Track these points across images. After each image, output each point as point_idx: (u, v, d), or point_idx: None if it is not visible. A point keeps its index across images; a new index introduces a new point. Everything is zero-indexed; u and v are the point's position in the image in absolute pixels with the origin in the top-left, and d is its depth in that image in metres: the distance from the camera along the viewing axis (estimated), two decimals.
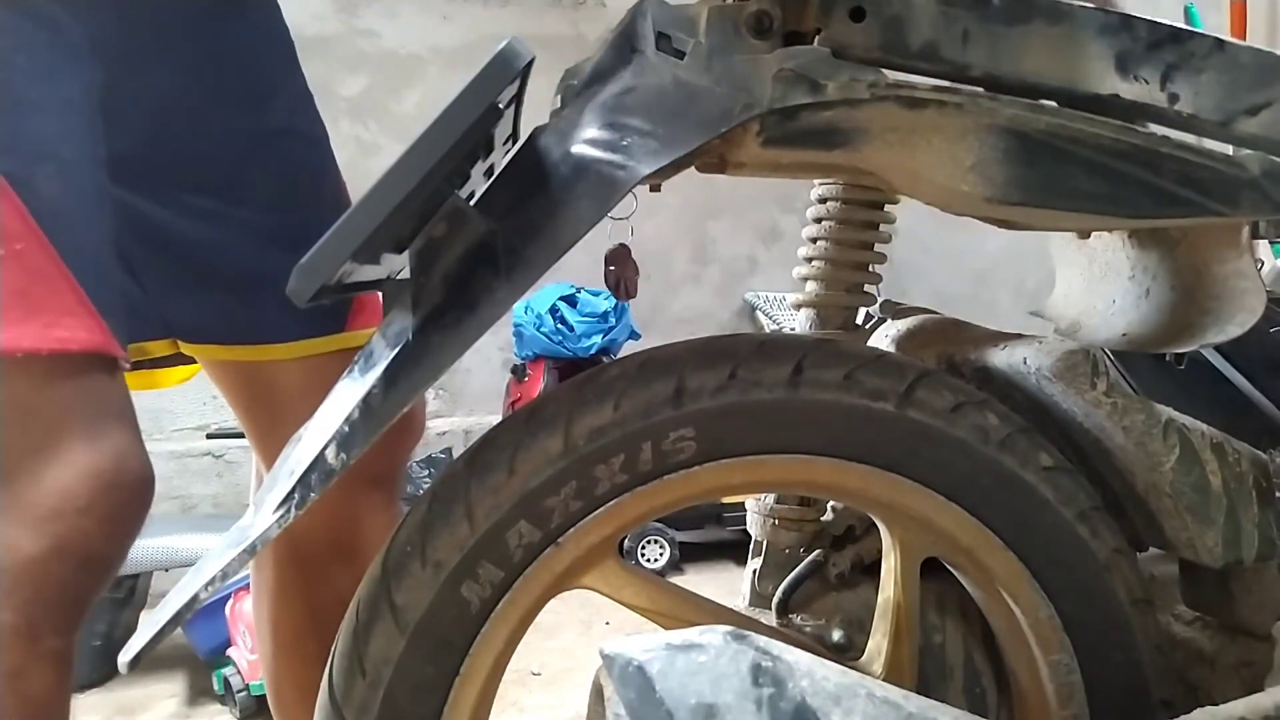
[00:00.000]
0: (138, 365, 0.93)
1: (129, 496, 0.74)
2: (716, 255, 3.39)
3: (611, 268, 0.75)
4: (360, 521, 0.97)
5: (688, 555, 2.79)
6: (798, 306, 0.83)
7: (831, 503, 0.84)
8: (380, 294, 0.96)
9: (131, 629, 2.07)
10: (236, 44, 0.86)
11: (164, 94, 0.82)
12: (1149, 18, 0.62)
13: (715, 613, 0.70)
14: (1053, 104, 0.64)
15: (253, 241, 0.87)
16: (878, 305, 0.89)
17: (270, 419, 0.96)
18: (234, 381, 0.96)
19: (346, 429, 0.53)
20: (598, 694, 0.74)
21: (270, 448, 0.95)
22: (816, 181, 0.81)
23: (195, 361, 0.99)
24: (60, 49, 0.73)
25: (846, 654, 0.75)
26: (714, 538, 2.79)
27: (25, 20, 0.71)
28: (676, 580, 2.56)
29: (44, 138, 0.72)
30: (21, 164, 0.70)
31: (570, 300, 2.75)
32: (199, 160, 0.85)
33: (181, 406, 2.78)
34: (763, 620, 0.78)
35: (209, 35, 0.84)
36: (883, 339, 0.88)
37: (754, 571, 0.85)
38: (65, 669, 0.72)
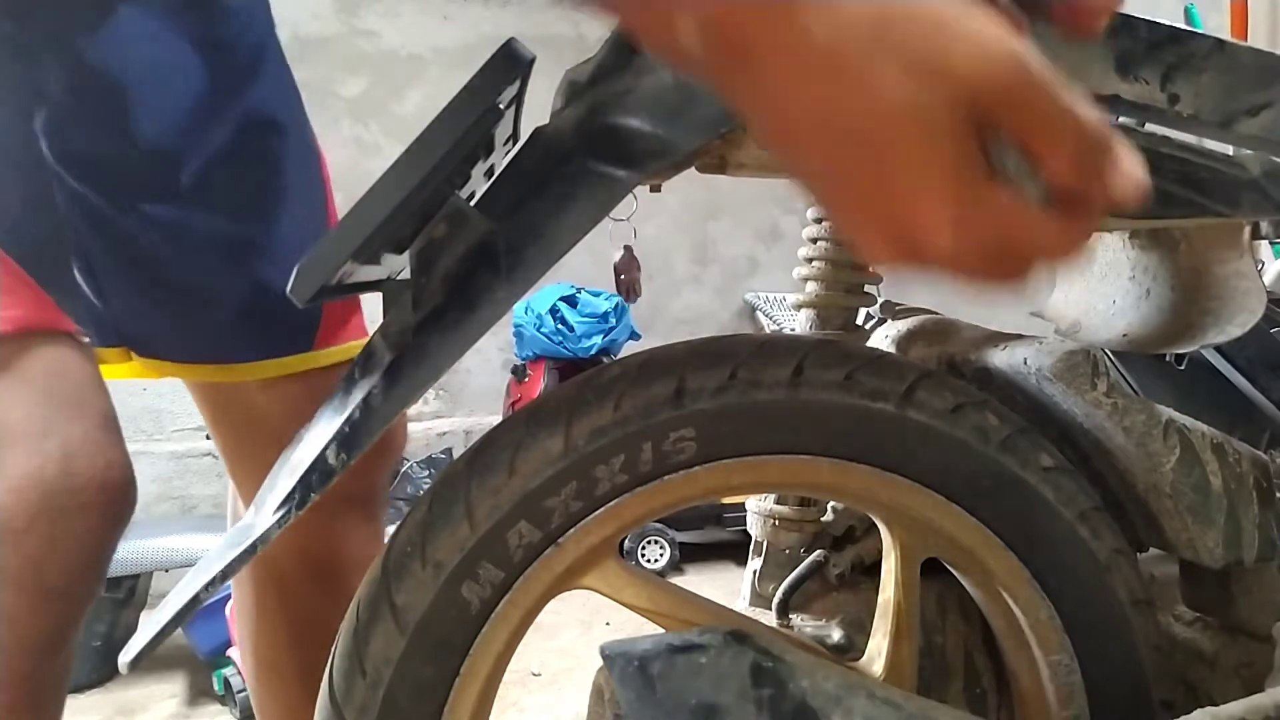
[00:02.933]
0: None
1: (80, 506, 0.61)
2: (717, 256, 3.39)
3: (622, 277, 0.74)
4: (338, 542, 0.92)
5: (688, 556, 2.79)
6: (798, 307, 0.83)
7: (831, 503, 0.84)
8: (360, 313, 0.92)
9: (131, 629, 2.08)
10: (200, 33, 0.77)
11: (113, 87, 0.74)
12: (1149, 18, 0.62)
13: (715, 613, 0.69)
14: None
15: (213, 255, 0.79)
16: (878, 306, 0.89)
17: (236, 440, 0.89)
18: (199, 399, 0.89)
19: (347, 429, 0.53)
20: (598, 694, 0.74)
21: (240, 467, 0.89)
22: None
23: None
24: None
25: (847, 655, 0.75)
26: (714, 538, 2.79)
27: None
28: (677, 581, 2.56)
29: None
30: None
31: (570, 301, 2.75)
32: (159, 160, 0.77)
33: (182, 407, 2.78)
34: (763, 621, 0.78)
35: (160, 24, 0.76)
36: (883, 339, 0.87)
37: (754, 572, 0.85)
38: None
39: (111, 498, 0.63)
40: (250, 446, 0.85)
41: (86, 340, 0.68)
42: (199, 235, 0.78)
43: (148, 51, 0.74)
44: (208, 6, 0.76)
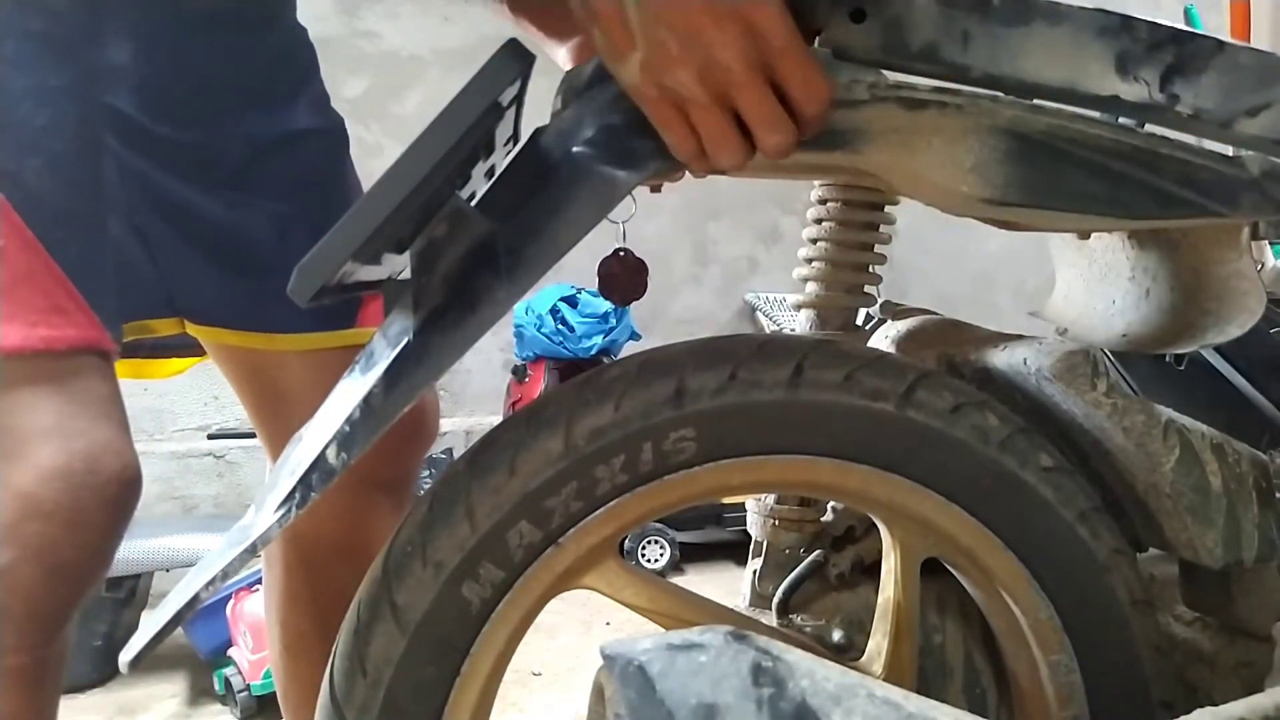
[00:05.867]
0: (133, 351, 0.92)
1: (101, 499, 0.68)
2: (717, 256, 3.39)
3: (606, 275, 0.74)
4: (370, 527, 0.96)
5: (688, 555, 2.79)
6: (798, 307, 0.83)
7: (831, 503, 0.84)
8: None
9: (132, 629, 2.08)
10: (270, 49, 0.87)
11: (200, 86, 0.81)
12: (1149, 19, 0.62)
13: (715, 613, 0.70)
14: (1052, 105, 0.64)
15: (274, 229, 0.87)
16: (878, 306, 0.89)
17: (274, 411, 0.95)
18: (241, 371, 0.96)
19: (347, 429, 0.53)
20: (598, 694, 0.74)
21: (277, 440, 0.95)
22: (816, 182, 0.81)
23: (193, 354, 0.98)
24: (56, 39, 0.71)
25: (847, 654, 0.75)
26: (714, 538, 2.79)
27: (16, 6, 0.69)
28: (677, 580, 2.56)
29: (32, 130, 0.70)
30: (7, 158, 0.68)
31: (571, 301, 2.75)
32: (227, 155, 0.84)
33: (183, 407, 2.78)
34: (763, 620, 0.78)
35: (248, 39, 0.85)
36: (883, 340, 0.88)
37: (754, 572, 0.85)
38: (33, 688, 0.68)
39: (125, 490, 0.71)
40: (285, 414, 0.92)
41: (117, 355, 0.76)
42: (258, 211, 0.86)
43: (221, 55, 0.83)
44: (269, 26, 0.88)
